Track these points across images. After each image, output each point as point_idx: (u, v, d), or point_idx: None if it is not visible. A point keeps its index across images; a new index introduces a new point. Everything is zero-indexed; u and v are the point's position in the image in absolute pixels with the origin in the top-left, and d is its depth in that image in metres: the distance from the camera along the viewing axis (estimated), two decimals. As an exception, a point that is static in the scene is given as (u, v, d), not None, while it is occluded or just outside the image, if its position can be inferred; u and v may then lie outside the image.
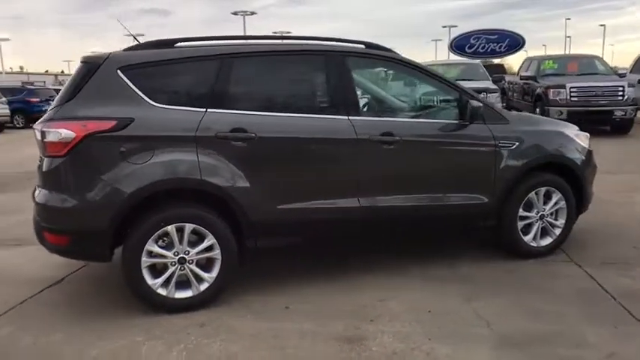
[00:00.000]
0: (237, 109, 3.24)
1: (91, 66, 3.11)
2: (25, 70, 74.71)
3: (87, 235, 3.02)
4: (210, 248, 3.19)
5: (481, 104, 3.64)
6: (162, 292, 3.13)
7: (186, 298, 3.19)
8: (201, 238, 3.17)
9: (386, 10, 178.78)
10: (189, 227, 3.12)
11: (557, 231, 4.08)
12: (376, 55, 3.69)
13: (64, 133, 2.94)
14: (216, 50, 3.32)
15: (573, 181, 4.06)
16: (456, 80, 13.50)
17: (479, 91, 11.52)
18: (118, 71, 3.09)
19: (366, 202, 3.49)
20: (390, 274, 3.73)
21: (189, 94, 3.24)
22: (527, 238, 3.99)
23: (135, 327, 3.01)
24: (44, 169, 3.05)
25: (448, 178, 3.72)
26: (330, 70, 3.45)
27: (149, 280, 3.10)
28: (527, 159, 3.86)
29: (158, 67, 3.20)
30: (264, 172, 3.27)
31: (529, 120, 4.20)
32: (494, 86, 11.80)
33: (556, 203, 4.03)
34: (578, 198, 4.11)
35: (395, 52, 3.79)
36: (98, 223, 2.98)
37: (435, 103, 4.01)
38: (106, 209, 2.97)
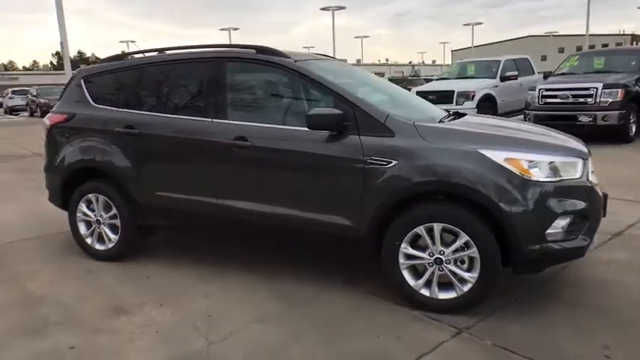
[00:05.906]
0: (134, 109, 4.00)
1: (73, 76, 4.46)
2: (388, 62, 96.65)
3: (53, 190, 4.44)
4: (114, 216, 4.12)
5: (336, 113, 3.15)
6: (102, 246, 4.23)
7: (104, 250, 4.22)
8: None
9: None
10: (102, 198, 4.14)
11: (466, 287, 3.06)
12: (260, 60, 3.64)
13: (46, 122, 4.43)
14: (137, 61, 4.15)
15: (493, 221, 2.96)
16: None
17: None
18: (82, 80, 4.34)
19: (222, 202, 3.64)
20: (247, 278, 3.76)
21: (116, 97, 4.18)
22: (416, 284, 3.17)
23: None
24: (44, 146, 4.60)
25: (301, 191, 3.39)
26: (207, 76, 3.73)
27: (82, 231, 4.28)
28: (404, 183, 3.07)
29: (105, 75, 4.28)
30: (145, 162, 3.93)
31: (437, 133, 3.10)
32: None
33: (466, 247, 3.03)
34: (508, 246, 2.97)
35: (286, 57, 3.59)
36: (56, 183, 4.35)
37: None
38: (58, 174, 4.31)
